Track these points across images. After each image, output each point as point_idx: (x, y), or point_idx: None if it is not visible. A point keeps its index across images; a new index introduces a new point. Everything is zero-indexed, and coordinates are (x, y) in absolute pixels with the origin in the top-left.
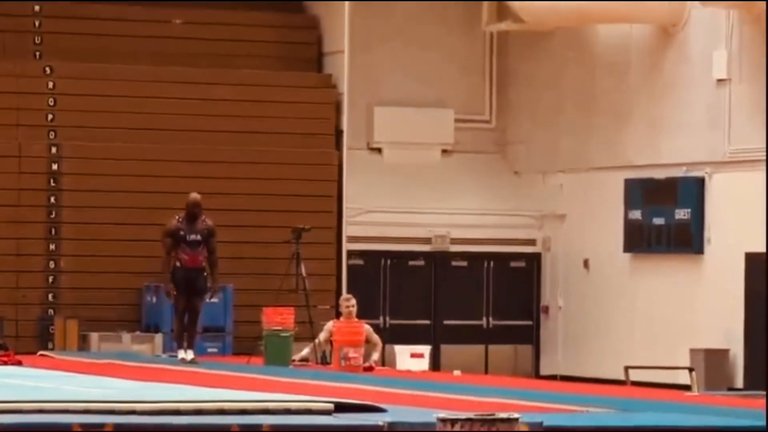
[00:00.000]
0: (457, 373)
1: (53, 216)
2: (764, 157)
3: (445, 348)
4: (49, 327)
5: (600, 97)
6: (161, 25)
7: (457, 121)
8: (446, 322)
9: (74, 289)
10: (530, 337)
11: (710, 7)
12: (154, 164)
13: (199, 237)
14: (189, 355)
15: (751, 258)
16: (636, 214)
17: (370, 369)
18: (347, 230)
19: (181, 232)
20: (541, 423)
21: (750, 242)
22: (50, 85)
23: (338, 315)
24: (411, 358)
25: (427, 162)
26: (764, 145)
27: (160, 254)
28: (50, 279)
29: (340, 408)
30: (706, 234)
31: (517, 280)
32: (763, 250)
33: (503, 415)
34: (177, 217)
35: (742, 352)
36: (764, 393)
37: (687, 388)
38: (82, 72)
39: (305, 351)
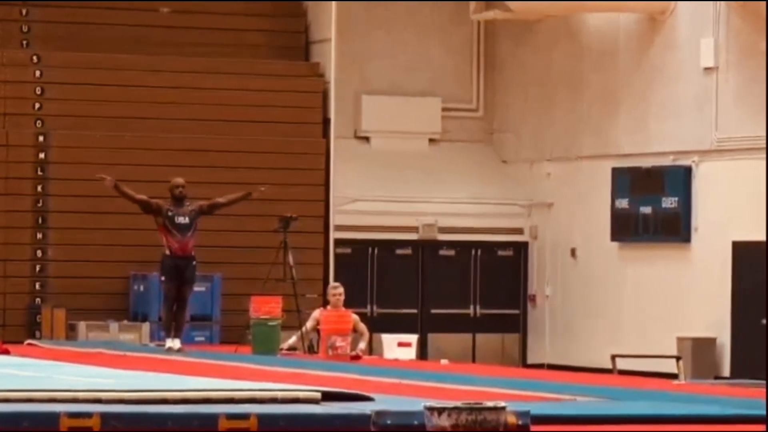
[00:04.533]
0: (444, 361)
1: (40, 205)
2: (752, 146)
3: (432, 337)
4: (37, 316)
5: (587, 86)
6: (149, 13)
7: (444, 109)
8: (434, 310)
9: (62, 278)
10: (517, 325)
11: None
12: (142, 153)
13: (187, 219)
14: (176, 344)
15: (738, 246)
16: (623, 203)
17: (357, 358)
18: (335, 219)
19: (170, 213)
20: (528, 412)
21: (737, 231)
22: (37, 73)
23: (325, 304)
24: (398, 346)
25: (415, 151)
26: (751, 134)
27: (148, 243)
28: (37, 268)
29: (328, 397)
30: (694, 223)
31: (504, 269)
32: (750, 238)
33: (490, 403)
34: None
35: (729, 341)
36: (751, 381)
37: (674, 376)
38: (69, 61)
39: (292, 339)
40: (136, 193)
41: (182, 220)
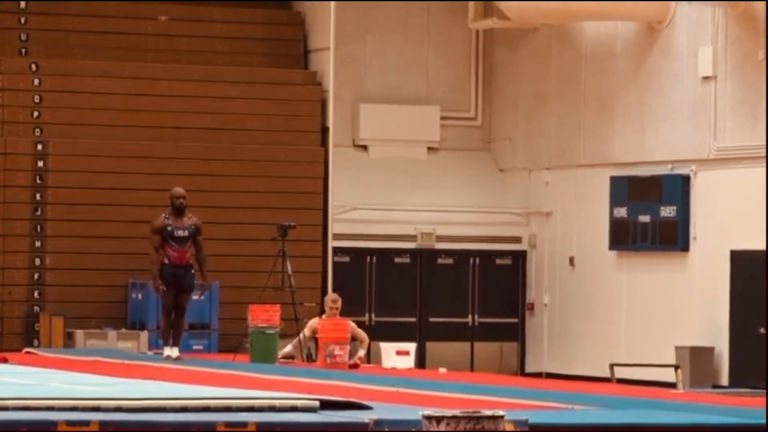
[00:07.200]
0: (442, 370)
1: (39, 213)
2: (750, 155)
3: (430, 345)
4: (35, 324)
5: (586, 94)
6: (147, 21)
7: (443, 118)
8: (432, 319)
9: (60, 286)
10: (516, 334)
11: (696, 4)
12: (140, 161)
13: (186, 233)
14: (174, 352)
15: (736, 255)
16: (621, 212)
17: (355, 366)
18: (333, 227)
19: (169, 228)
20: (527, 420)
21: (735, 240)
22: (36, 81)
23: (322, 312)
24: (397, 355)
25: (413, 159)
26: (750, 143)
27: (146, 251)
28: (36, 276)
29: (326, 405)
30: (692, 231)
31: (502, 278)
32: (749, 247)
33: (488, 412)
34: (163, 214)
35: (727, 350)
36: (750, 390)
37: (672, 385)
38: (68, 69)
39: (288, 347)
40: (153, 251)
41: (181, 233)
